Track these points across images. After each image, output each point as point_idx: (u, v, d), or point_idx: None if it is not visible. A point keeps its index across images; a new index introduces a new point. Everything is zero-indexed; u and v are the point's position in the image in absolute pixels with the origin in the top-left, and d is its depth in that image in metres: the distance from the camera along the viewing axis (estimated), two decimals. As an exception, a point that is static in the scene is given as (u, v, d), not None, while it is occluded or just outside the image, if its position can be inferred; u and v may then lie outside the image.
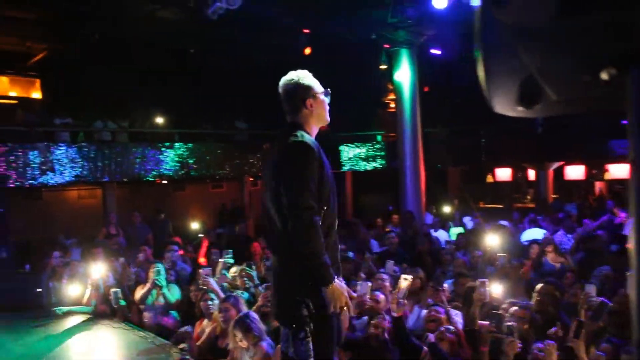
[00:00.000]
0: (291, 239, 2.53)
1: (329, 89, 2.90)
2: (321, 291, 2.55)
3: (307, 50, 13.32)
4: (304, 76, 2.86)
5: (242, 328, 4.14)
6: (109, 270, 7.25)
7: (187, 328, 5.07)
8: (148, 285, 6.37)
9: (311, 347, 2.59)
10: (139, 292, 6.44)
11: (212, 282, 5.55)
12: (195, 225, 12.41)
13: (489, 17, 1.48)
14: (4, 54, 14.68)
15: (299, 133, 2.71)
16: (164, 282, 6.34)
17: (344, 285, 2.66)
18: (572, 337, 3.75)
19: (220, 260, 6.50)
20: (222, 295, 5.30)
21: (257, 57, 14.11)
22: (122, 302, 6.31)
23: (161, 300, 6.33)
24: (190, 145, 14.37)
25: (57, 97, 15.53)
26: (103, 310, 6.65)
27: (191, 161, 14.17)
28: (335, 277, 2.58)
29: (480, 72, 1.53)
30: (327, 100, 2.89)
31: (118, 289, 6.39)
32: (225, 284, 6.09)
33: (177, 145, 14.05)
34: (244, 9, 7.28)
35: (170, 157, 13.83)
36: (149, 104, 15.07)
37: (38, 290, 7.29)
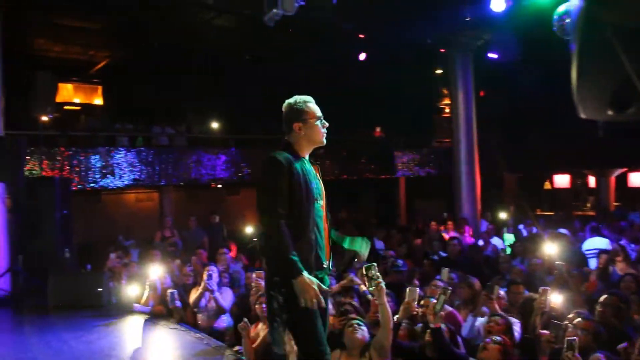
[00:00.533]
0: (262, 241, 2.93)
1: (324, 121, 3.21)
2: (290, 285, 2.82)
3: (362, 56, 13.35)
4: (300, 101, 3.17)
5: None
6: (166, 272, 7.42)
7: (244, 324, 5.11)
8: (200, 289, 6.47)
9: (286, 338, 2.92)
10: (193, 295, 6.55)
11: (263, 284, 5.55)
12: (249, 230, 12.51)
13: (591, 16, 1.41)
14: (68, 63, 15.24)
15: (277, 151, 3.07)
16: (214, 286, 6.40)
17: (314, 280, 2.87)
18: (637, 354, 3.59)
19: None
20: (220, 301, 5.35)
21: (313, 62, 14.20)
22: (179, 304, 6.43)
23: (213, 304, 6.41)
24: (244, 150, 14.54)
25: (117, 103, 16.05)
26: (160, 311, 6.81)
27: (245, 166, 14.34)
28: (304, 271, 2.82)
29: (573, 73, 1.47)
30: (319, 125, 3.17)
31: (174, 291, 6.52)
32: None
33: (232, 150, 14.24)
34: (300, 15, 7.32)
35: (225, 162, 14.04)
36: (205, 110, 15.38)
37: (99, 289, 7.51)
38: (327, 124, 3.24)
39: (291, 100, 3.19)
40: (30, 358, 5.42)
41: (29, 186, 8.91)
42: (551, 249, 7.54)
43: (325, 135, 3.22)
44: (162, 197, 14.20)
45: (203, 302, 6.45)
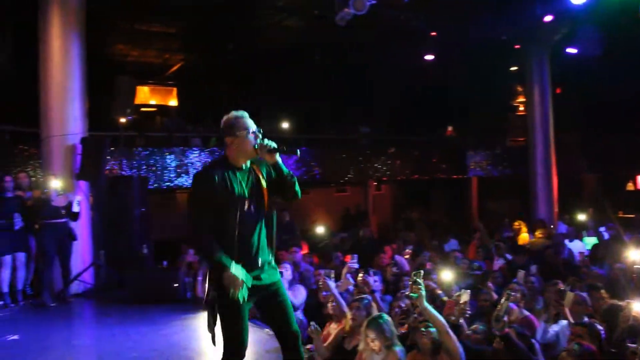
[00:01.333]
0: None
1: (254, 131, 3.39)
2: (218, 283, 3.17)
3: (430, 56, 13.19)
4: (232, 117, 3.41)
5: (375, 329, 4.14)
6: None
7: (315, 328, 5.15)
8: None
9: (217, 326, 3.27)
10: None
11: (331, 283, 5.61)
12: (319, 229, 12.61)
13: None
14: (145, 66, 15.85)
15: (208, 164, 3.57)
16: (285, 284, 6.46)
17: (240, 273, 3.13)
18: None
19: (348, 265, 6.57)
20: (339, 298, 5.43)
21: (383, 62, 14.16)
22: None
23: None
24: (315, 149, 14.65)
25: (191, 105, 16.55)
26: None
27: (316, 165, 14.43)
28: (230, 266, 3.11)
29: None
30: (251, 138, 3.36)
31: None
32: (350, 288, 6.17)
33: (302, 149, 14.36)
34: (371, 13, 7.32)
35: (296, 161, 14.16)
36: (276, 110, 15.59)
37: (175, 285, 7.77)
38: (259, 135, 3.41)
39: (225, 116, 3.43)
40: (111, 349, 5.67)
41: (110, 185, 9.32)
42: (634, 253, 7.20)
43: (257, 144, 3.38)
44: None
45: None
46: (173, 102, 17.51)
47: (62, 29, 8.83)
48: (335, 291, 5.46)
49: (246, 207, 3.31)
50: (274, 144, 3.39)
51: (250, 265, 3.28)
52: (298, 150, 3.57)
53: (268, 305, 3.47)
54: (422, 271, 4.10)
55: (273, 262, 3.50)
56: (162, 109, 17.04)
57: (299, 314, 6.46)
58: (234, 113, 3.44)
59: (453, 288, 5.80)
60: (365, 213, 16.47)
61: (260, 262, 3.37)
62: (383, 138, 16.08)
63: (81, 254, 8.74)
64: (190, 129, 13.60)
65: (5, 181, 8.04)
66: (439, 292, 5.76)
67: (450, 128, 17.23)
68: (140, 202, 9.33)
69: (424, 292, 4.01)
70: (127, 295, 8.03)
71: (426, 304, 4.04)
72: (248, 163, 3.43)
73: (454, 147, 16.31)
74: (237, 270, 3.14)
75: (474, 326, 4.45)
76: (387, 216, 18.13)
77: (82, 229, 8.73)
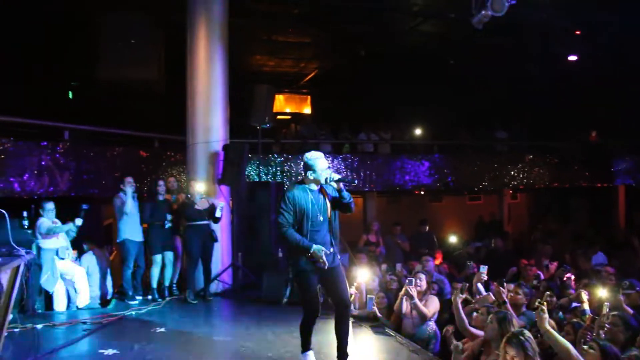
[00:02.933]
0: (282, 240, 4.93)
1: (326, 169, 4.85)
2: (296, 266, 4.81)
3: (573, 57, 12.46)
4: (311, 158, 4.85)
5: (516, 345, 3.98)
6: (374, 276, 7.60)
7: (457, 344, 5.06)
8: (401, 294, 6.53)
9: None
10: (397, 302, 6.62)
11: (412, 289, 6.26)
12: (452, 238, 12.35)
13: None
14: (282, 75, 16.43)
15: (292, 184, 5.04)
16: (414, 292, 6.37)
17: (320, 249, 4.67)
18: None
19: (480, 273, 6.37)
20: (422, 308, 6.15)
21: (522, 64, 13.60)
22: (372, 307, 6.60)
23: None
24: (448, 156, 14.40)
25: (324, 112, 16.87)
26: (366, 314, 6.99)
27: (449, 172, 14.16)
28: (312, 246, 4.66)
29: None
30: (323, 175, 4.81)
31: (373, 296, 6.70)
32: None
33: (435, 156, 14.16)
34: (510, 14, 7.05)
35: (429, 168, 14.00)
36: (409, 116, 15.50)
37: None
38: (330, 171, 4.86)
39: (308, 154, 4.85)
40: (249, 347, 5.90)
41: (249, 190, 9.72)
42: None
43: (328, 176, 4.83)
44: (366, 203, 14.59)
45: (405, 308, 6.50)
46: (307, 109, 17.98)
47: (208, 42, 9.40)
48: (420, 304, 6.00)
49: (318, 217, 4.80)
50: (337, 177, 4.85)
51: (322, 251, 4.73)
52: (355, 180, 5.56)
53: (328, 280, 4.89)
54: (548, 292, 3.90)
55: (335, 252, 4.93)
56: (297, 116, 17.54)
57: (432, 324, 6.36)
58: (313, 153, 4.86)
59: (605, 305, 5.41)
60: (500, 222, 15.88)
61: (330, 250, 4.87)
62: (521, 144, 15.44)
63: (221, 255, 9.21)
64: (323, 136, 13.85)
65: (159, 185, 8.70)
66: (585, 308, 5.44)
67: (594, 133, 16.15)
68: (276, 207, 9.60)
69: (546, 316, 3.88)
70: (262, 296, 8.33)
71: (548, 326, 3.83)
72: (319, 187, 4.88)
73: (599, 153, 15.27)
74: (317, 248, 4.66)
75: (632, 353, 4.10)
76: (524, 226, 17.37)
77: (222, 231, 9.19)
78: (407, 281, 6.45)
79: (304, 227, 4.73)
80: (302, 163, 4.88)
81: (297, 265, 4.79)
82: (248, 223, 9.51)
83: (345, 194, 4.87)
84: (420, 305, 6.33)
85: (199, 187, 8.63)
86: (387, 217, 13.11)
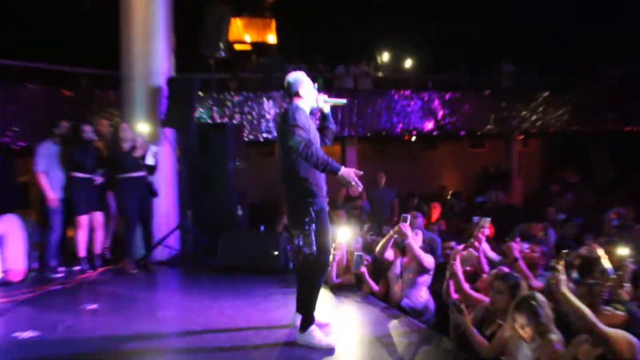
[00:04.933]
0: (298, 168, 4.86)
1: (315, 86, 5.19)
2: (315, 201, 4.86)
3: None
4: (300, 74, 5.13)
5: (527, 311, 3.93)
6: (356, 235, 7.56)
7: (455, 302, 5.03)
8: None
9: (314, 239, 4.77)
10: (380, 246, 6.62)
11: (406, 227, 6.25)
12: (451, 192, 12.37)
13: None
14: (239, -5, 16.05)
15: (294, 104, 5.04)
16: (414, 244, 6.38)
17: (350, 169, 4.77)
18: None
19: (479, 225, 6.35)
20: (419, 252, 6.16)
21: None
22: (363, 270, 6.56)
23: (411, 270, 6.38)
24: (445, 93, 14.30)
25: (293, 41, 16.57)
26: (348, 280, 6.95)
27: (446, 113, 14.10)
28: (342, 166, 4.72)
29: None
30: (313, 90, 5.15)
31: (361, 253, 6.63)
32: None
33: (430, 93, 14.06)
34: None
35: (422, 109, 13.91)
36: (397, 45, 15.32)
37: (274, 253, 7.87)
38: (315, 90, 5.17)
39: (290, 76, 5.10)
40: (202, 324, 5.79)
41: (200, 134, 9.53)
42: None
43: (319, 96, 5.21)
44: (344, 150, 14.51)
45: (397, 268, 6.49)
46: (272, 37, 17.62)
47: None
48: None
49: (319, 142, 5.06)
50: (327, 99, 5.32)
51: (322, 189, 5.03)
52: (344, 100, 5.89)
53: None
54: (564, 257, 3.84)
55: None
56: (259, 46, 17.20)
57: (425, 290, 6.36)
58: (297, 73, 5.14)
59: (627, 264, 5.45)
60: (508, 174, 15.95)
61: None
62: (533, 79, 15.38)
63: (166, 215, 9.09)
64: (291, 69, 13.61)
65: (84, 131, 8.34)
66: (608, 267, 5.43)
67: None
68: (235, 155, 9.50)
69: (563, 277, 3.72)
70: (219, 264, 8.24)
71: (565, 289, 3.72)
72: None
73: (627, 91, 15.31)
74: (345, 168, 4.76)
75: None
76: (536, 179, 17.48)
77: (167, 185, 9.04)
78: (401, 217, 6.42)
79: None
80: (291, 83, 5.06)
81: (315, 203, 4.87)
82: (199, 174, 9.38)
83: (332, 120, 5.40)
84: (416, 248, 6.29)
85: (141, 128, 8.44)
86: (371, 168, 12.93)
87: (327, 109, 5.37)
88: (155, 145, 8.61)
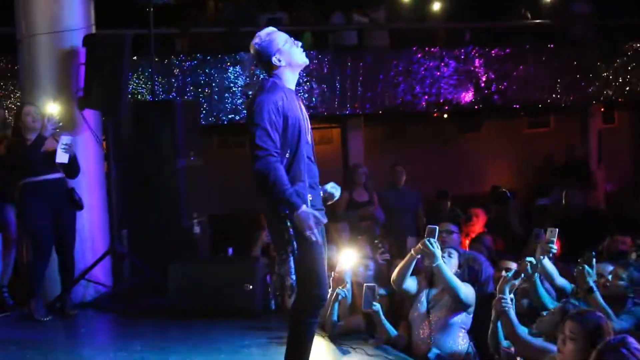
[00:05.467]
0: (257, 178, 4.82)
1: (297, 42, 5.17)
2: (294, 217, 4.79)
3: None
4: (264, 35, 5.09)
5: None
6: (364, 260, 7.56)
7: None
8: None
9: (292, 266, 4.81)
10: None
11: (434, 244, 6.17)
12: (501, 192, 12.37)
13: None
14: None
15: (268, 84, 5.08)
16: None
17: (313, 212, 4.79)
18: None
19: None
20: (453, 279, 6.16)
21: None
22: (377, 307, 6.56)
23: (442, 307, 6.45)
24: (489, 49, 14.37)
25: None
26: (356, 325, 7.00)
27: (493, 78, 14.16)
28: (303, 204, 4.75)
29: None
30: (296, 46, 5.13)
31: (373, 285, 6.64)
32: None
33: (467, 50, 14.11)
34: None
35: (456, 72, 13.95)
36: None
37: (248, 287, 7.88)
38: (300, 43, 5.19)
39: (255, 40, 5.09)
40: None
41: (136, 118, 9.53)
42: None
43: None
44: (346, 136, 14.55)
45: (423, 305, 6.57)
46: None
47: None
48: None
49: (308, 140, 5.10)
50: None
51: (318, 196, 5.16)
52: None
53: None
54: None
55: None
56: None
57: (464, 334, 6.42)
58: (262, 32, 5.14)
59: None
60: (584, 163, 16.00)
61: (323, 209, 5.17)
62: (616, 26, 15.46)
63: (90, 236, 9.06)
64: (266, 19, 13.65)
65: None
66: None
67: None
68: (187, 147, 9.51)
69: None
70: (168, 304, 8.28)
71: None
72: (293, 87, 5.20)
73: None
74: (309, 209, 4.78)
75: None
76: (625, 169, 17.55)
77: (90, 194, 9.01)
78: (426, 229, 6.46)
79: (300, 156, 4.99)
80: (258, 48, 5.09)
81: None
82: (136, 177, 9.39)
83: None
84: (449, 274, 6.32)
85: (50, 109, 8.40)
86: (385, 160, 13.03)
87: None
88: (67, 134, 8.54)
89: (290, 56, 5.08)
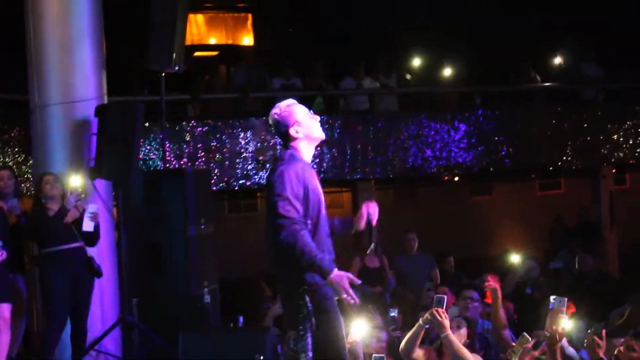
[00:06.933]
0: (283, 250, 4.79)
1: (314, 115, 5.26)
2: (317, 293, 4.84)
3: None
4: (284, 106, 5.19)
5: None
6: (376, 331, 7.51)
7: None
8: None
9: (310, 342, 4.74)
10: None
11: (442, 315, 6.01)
12: (514, 258, 12.28)
13: None
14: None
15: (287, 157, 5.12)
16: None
17: (345, 273, 4.77)
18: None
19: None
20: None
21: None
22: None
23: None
24: (502, 113, 14.40)
25: (279, 42, 16.71)
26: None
27: (503, 141, 14.15)
28: (334, 268, 4.72)
29: None
30: (314, 120, 5.21)
31: (382, 356, 6.57)
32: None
33: (479, 113, 14.13)
34: None
35: (467, 135, 13.95)
36: (429, 48, 15.43)
37: (260, 358, 7.82)
38: (317, 117, 5.28)
39: (274, 110, 5.19)
40: None
41: (147, 185, 9.55)
42: None
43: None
44: (356, 199, 14.55)
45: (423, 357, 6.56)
46: (248, 39, 17.79)
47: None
48: None
49: (325, 216, 5.13)
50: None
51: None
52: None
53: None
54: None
55: None
56: (230, 50, 17.33)
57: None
58: (282, 103, 5.22)
59: None
60: (596, 225, 15.93)
61: None
62: (623, 87, 15.50)
63: (100, 305, 9.06)
64: (279, 84, 13.71)
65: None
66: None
67: None
68: (198, 215, 9.51)
69: None
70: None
71: None
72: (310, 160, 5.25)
73: None
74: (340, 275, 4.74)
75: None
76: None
77: (101, 261, 8.96)
78: (434, 298, 6.42)
79: (321, 228, 5.03)
80: (277, 120, 5.17)
81: (314, 291, 4.87)
82: (147, 245, 9.37)
83: None
84: (459, 345, 6.25)
85: (73, 181, 8.43)
86: (396, 224, 13.01)
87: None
88: (94, 203, 8.63)
89: (309, 129, 5.14)
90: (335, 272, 4.69)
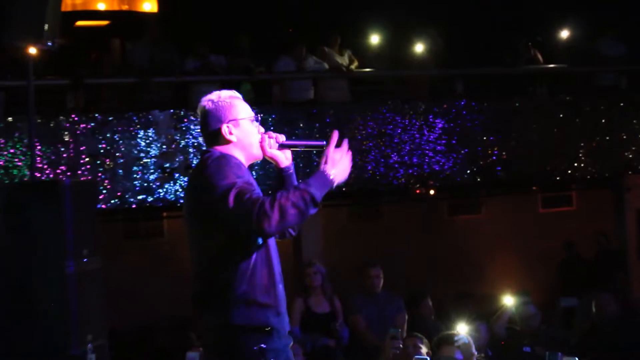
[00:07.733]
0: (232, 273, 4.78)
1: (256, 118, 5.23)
2: (271, 347, 4.76)
3: None
4: (225, 97, 5.15)
5: None
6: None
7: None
8: None
9: None
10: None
11: None
12: (508, 300, 12.37)
13: None
14: None
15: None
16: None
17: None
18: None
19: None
20: None
21: None
22: None
23: None
24: (488, 105, 14.46)
25: (194, 10, 16.71)
26: None
27: (494, 142, 14.23)
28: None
29: None
30: (255, 129, 5.17)
31: None
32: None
33: (459, 105, 14.20)
34: None
35: (445, 134, 14.01)
36: (395, 20, 15.55)
37: None
38: (262, 130, 5.22)
39: (210, 96, 5.16)
40: None
41: (8, 203, 9.41)
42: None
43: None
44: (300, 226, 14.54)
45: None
46: (149, 4, 17.73)
47: None
48: None
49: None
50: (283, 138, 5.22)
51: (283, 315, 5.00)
52: (323, 142, 5.31)
53: None
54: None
55: None
56: (125, 21, 17.28)
57: None
58: (224, 91, 5.22)
59: None
60: (620, 254, 16.06)
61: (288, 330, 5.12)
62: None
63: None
64: (192, 67, 13.67)
65: None
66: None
67: None
68: (80, 243, 9.39)
69: None
70: None
71: None
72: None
73: None
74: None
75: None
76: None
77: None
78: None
79: (272, 261, 4.98)
80: (202, 111, 5.17)
81: (270, 351, 4.78)
82: (9, 286, 9.24)
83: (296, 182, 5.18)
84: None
85: None
86: (353, 254, 13.02)
87: (284, 161, 5.27)
88: None
89: (247, 137, 5.05)
90: (333, 173, 4.93)
